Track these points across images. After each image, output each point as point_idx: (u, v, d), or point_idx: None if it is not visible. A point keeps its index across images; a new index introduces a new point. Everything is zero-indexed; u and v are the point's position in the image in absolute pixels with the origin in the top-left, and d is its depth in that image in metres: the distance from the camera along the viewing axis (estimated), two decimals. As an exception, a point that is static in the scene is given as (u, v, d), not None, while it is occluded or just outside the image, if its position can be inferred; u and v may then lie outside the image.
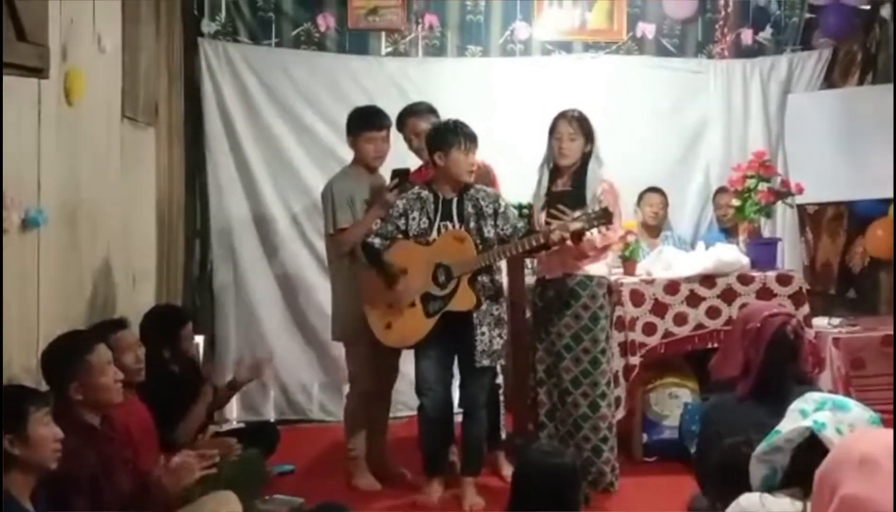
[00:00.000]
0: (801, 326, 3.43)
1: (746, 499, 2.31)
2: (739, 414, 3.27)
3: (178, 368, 4.21)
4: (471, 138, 4.25)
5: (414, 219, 4.29)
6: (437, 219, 4.28)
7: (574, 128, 4.35)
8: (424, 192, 4.32)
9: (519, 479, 2.67)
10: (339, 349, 5.07)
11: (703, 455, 3.39)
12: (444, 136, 4.26)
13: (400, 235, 4.29)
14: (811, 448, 2.18)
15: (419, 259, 4.26)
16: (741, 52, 6.25)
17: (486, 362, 4.28)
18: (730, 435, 3.05)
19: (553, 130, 4.38)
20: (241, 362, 4.79)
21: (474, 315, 4.24)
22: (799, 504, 1.97)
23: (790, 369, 3.33)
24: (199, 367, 4.68)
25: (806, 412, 2.30)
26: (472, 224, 4.26)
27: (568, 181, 4.39)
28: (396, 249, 4.28)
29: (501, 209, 4.29)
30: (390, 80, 5.79)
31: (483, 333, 4.25)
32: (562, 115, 4.39)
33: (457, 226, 4.27)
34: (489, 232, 4.26)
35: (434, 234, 4.28)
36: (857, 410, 2.29)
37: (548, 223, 4.21)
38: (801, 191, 4.89)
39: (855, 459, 1.64)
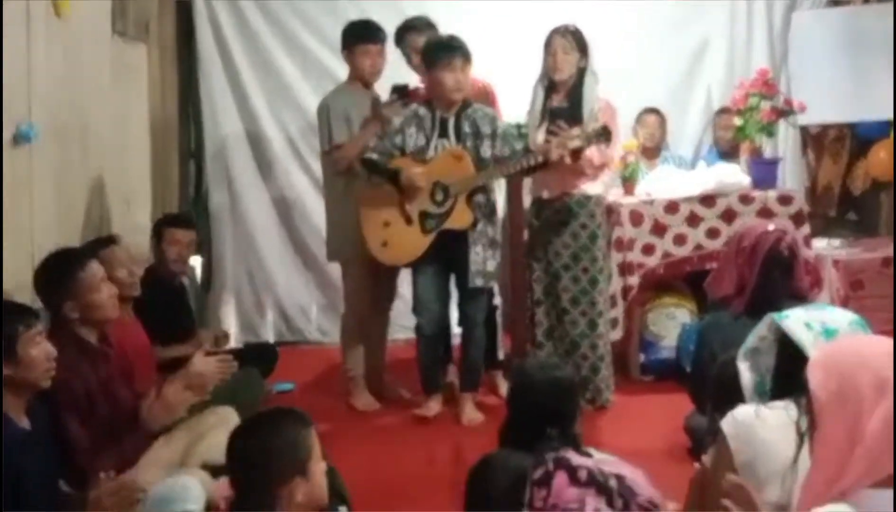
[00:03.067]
0: (795, 243, 3.40)
1: (740, 410, 2.30)
2: (734, 331, 3.24)
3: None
4: (462, 54, 4.19)
5: (411, 136, 4.26)
6: (434, 137, 4.25)
7: (568, 41, 4.28)
8: (422, 110, 4.27)
9: (515, 390, 2.68)
10: (336, 271, 5.06)
11: (699, 372, 3.41)
12: (433, 53, 4.21)
13: (397, 152, 4.25)
14: (791, 349, 2.15)
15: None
16: (745, -30, 6.10)
17: (479, 282, 4.29)
18: (725, 352, 3.04)
19: (548, 45, 4.31)
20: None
21: (469, 235, 4.23)
22: (794, 412, 1.96)
23: (785, 286, 3.32)
24: (186, 293, 4.63)
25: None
26: (469, 143, 4.23)
27: (564, 97, 4.33)
28: (394, 166, 4.24)
29: (500, 130, 4.26)
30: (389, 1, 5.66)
31: (477, 253, 4.26)
32: (556, 30, 4.32)
33: (454, 144, 4.23)
34: (486, 152, 4.23)
35: (431, 152, 4.25)
36: (835, 311, 2.26)
37: (547, 141, 4.16)
38: (803, 109, 4.82)
39: (877, 370, 1.63)
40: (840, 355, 1.70)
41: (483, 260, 4.27)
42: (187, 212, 5.25)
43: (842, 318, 2.26)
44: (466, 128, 4.25)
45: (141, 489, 2.58)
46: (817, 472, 1.63)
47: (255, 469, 2.21)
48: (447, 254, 4.28)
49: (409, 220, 4.27)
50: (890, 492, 1.60)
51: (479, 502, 2.43)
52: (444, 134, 4.25)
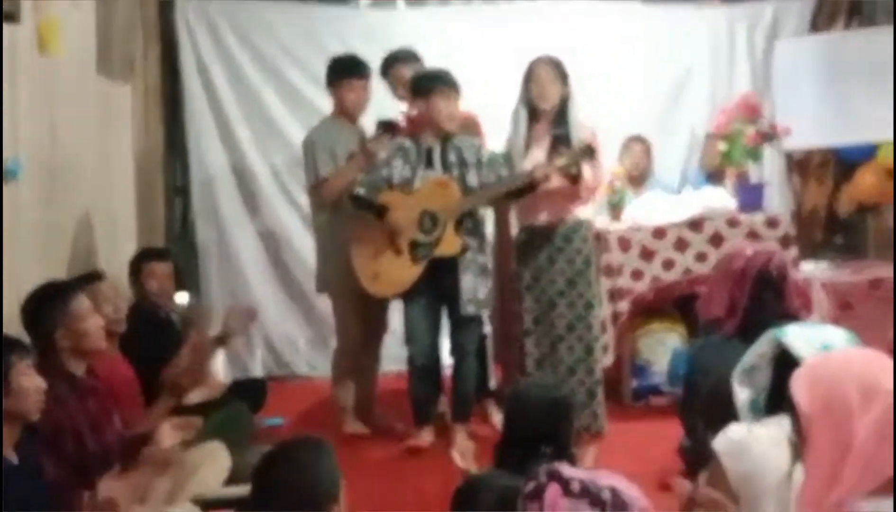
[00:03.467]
0: (785, 265, 3.40)
1: (733, 428, 2.29)
2: (725, 354, 3.22)
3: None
4: (453, 85, 4.23)
5: (396, 168, 4.28)
6: (420, 168, 4.27)
7: (552, 70, 4.30)
8: (407, 142, 4.31)
9: (511, 409, 2.65)
10: (325, 304, 5.05)
11: (690, 395, 3.39)
12: (426, 83, 4.22)
13: (384, 186, 4.26)
14: (789, 365, 2.16)
15: (404, 208, 4.24)
16: (727, -2, 6.18)
17: (471, 310, 4.28)
18: (716, 374, 3.03)
19: (531, 74, 4.31)
20: (230, 313, 4.71)
21: (459, 263, 4.23)
22: (787, 426, 1.95)
23: (775, 307, 3.30)
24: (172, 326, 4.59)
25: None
26: (455, 172, 4.24)
27: (548, 125, 4.34)
28: (381, 200, 4.26)
29: (485, 158, 4.28)
30: (370, 31, 5.69)
31: (468, 281, 4.26)
32: (539, 60, 4.33)
33: (439, 174, 4.24)
34: (472, 180, 4.25)
35: (417, 182, 4.26)
36: (830, 329, 2.28)
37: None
38: (787, 133, 4.86)
39: (863, 376, 1.62)
40: (824, 366, 1.69)
41: (474, 288, 4.27)
42: (161, 246, 5.19)
43: (837, 335, 2.29)
44: (452, 157, 4.27)
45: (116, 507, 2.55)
46: (811, 483, 1.62)
47: (296, 496, 2.18)
48: (438, 284, 4.28)
49: (398, 251, 4.27)
50: (887, 500, 1.58)
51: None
52: (429, 164, 4.27)
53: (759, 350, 2.33)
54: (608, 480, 1.87)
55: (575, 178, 4.12)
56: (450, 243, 4.22)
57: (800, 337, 2.25)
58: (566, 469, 1.91)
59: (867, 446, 1.57)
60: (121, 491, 2.58)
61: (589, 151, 4.11)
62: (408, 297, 4.34)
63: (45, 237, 3.71)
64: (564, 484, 1.86)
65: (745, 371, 2.35)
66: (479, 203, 4.30)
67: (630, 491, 1.88)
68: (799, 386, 1.69)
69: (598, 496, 1.83)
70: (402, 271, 4.26)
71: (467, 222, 4.27)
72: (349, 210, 4.38)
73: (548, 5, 6.04)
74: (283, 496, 2.18)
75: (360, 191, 4.26)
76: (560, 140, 4.25)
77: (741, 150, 4.76)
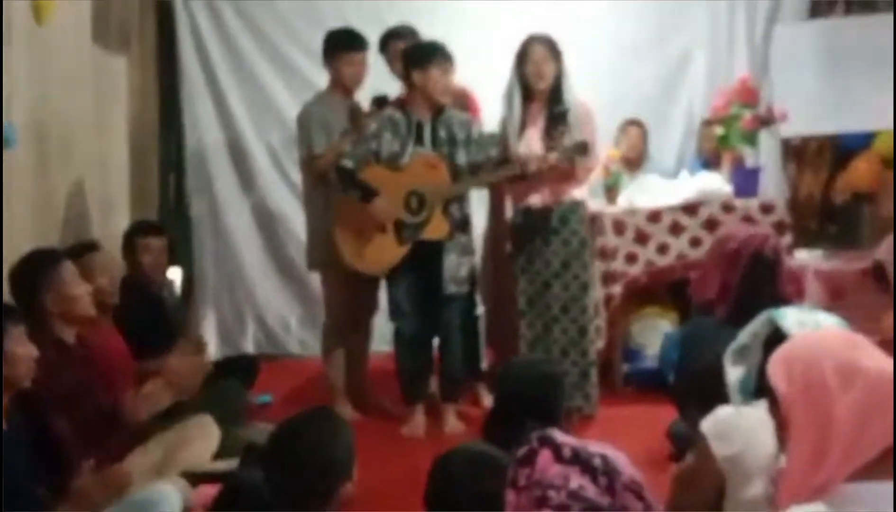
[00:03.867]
0: (779, 248, 3.39)
1: (721, 410, 2.30)
2: (717, 336, 3.23)
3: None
4: (448, 58, 4.19)
5: (386, 141, 4.23)
6: (410, 143, 4.23)
7: (546, 49, 4.27)
8: (397, 115, 4.26)
9: (502, 385, 2.65)
10: (317, 282, 5.03)
11: (682, 376, 3.39)
12: (421, 54, 4.20)
13: (372, 158, 4.22)
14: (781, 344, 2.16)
15: (391, 185, 4.21)
16: (727, -19, 6.13)
17: (453, 289, 4.27)
18: (708, 356, 3.03)
19: (525, 54, 4.28)
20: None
21: (443, 243, 4.22)
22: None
23: (768, 290, 3.29)
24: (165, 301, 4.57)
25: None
26: (444, 149, 4.21)
27: (544, 105, 4.31)
28: (368, 174, 4.23)
29: (475, 135, 4.25)
30: (369, 7, 5.64)
31: (451, 261, 4.25)
32: (532, 39, 4.29)
33: (429, 150, 4.21)
34: (461, 158, 4.23)
35: (406, 158, 4.22)
36: (824, 314, 2.29)
37: (547, 149, 4.15)
38: (784, 117, 4.84)
39: (840, 357, 1.61)
40: (799, 349, 1.68)
41: (457, 266, 4.26)
42: (155, 220, 5.17)
43: (831, 320, 2.29)
44: (442, 133, 4.24)
45: (129, 477, 2.55)
46: (792, 468, 1.60)
47: (312, 472, 2.17)
48: (421, 262, 4.26)
49: (383, 230, 4.25)
50: (871, 485, 1.57)
51: (436, 494, 2.41)
52: (419, 140, 4.24)
53: (753, 329, 2.33)
54: (599, 448, 1.88)
55: (572, 160, 4.11)
56: (438, 227, 4.20)
57: (794, 319, 2.26)
58: (558, 435, 1.92)
59: (849, 427, 1.56)
60: (97, 488, 2.56)
61: (583, 148, 4.10)
62: (391, 274, 4.32)
63: (37, 207, 3.70)
64: (556, 450, 1.87)
65: (738, 350, 2.36)
66: (469, 188, 4.28)
67: (620, 459, 1.89)
68: (776, 369, 1.67)
69: (589, 462, 1.84)
70: (387, 251, 4.25)
71: (453, 204, 4.25)
72: (335, 185, 4.34)
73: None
74: (299, 471, 2.18)
75: (348, 163, 4.22)
76: (556, 119, 4.23)
77: (738, 134, 4.74)
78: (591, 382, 4.37)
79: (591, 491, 1.87)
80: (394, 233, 4.23)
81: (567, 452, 1.87)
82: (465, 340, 4.46)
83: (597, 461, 1.86)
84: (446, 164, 4.20)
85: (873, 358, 1.63)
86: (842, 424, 1.57)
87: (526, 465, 1.90)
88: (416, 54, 4.23)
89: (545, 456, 1.87)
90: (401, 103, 4.31)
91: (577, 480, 1.83)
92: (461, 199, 4.32)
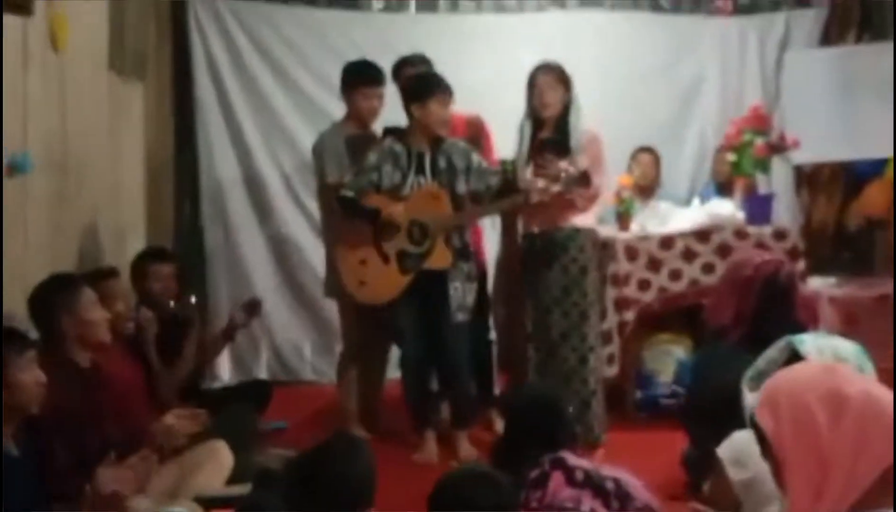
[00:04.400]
0: (793, 274, 3.40)
1: (736, 435, 2.29)
2: (731, 362, 3.23)
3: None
4: (447, 90, 4.23)
5: (387, 173, 4.26)
6: (411, 173, 4.25)
7: (553, 77, 4.30)
8: (398, 146, 4.29)
9: (509, 412, 2.65)
10: (331, 310, 5.04)
11: (694, 403, 3.38)
12: (422, 88, 4.24)
13: (373, 190, 4.25)
14: None
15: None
16: (737, 9, 6.16)
17: (460, 317, 4.28)
18: (722, 382, 3.02)
19: (532, 83, 4.33)
20: (235, 308, 4.70)
21: (447, 272, 4.23)
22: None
23: (782, 317, 3.29)
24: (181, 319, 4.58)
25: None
26: (444, 179, 4.23)
27: (550, 132, 4.34)
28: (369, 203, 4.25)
29: (474, 165, 4.27)
30: (382, 36, 5.69)
31: (456, 289, 4.26)
32: (539, 67, 4.35)
33: (430, 181, 4.24)
34: (462, 188, 4.25)
35: (407, 189, 4.25)
36: (841, 340, 2.27)
37: (536, 175, 4.17)
38: (797, 145, 4.84)
39: (822, 387, 1.59)
40: (781, 386, 1.65)
41: (462, 295, 4.27)
42: (164, 246, 5.19)
43: (848, 346, 2.28)
44: (442, 164, 4.26)
45: (127, 506, 2.55)
46: (795, 506, 1.58)
47: (335, 497, 2.16)
48: (424, 291, 4.27)
49: (386, 260, 4.26)
50: None
51: None
52: (420, 171, 4.26)
53: (771, 355, 2.32)
54: (612, 472, 1.86)
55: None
56: (441, 257, 4.21)
57: (812, 345, 2.25)
58: (570, 458, 1.91)
59: (844, 457, 1.54)
60: (120, 480, 2.57)
61: (583, 179, 4.12)
62: (396, 304, 4.33)
63: (53, 234, 3.72)
64: (568, 472, 1.86)
65: (756, 376, 2.34)
66: (471, 219, 4.31)
67: (633, 483, 1.87)
68: (763, 415, 1.63)
69: (602, 486, 1.83)
70: (389, 281, 4.26)
71: (455, 233, 4.27)
72: (337, 214, 4.35)
73: (559, 14, 6.05)
74: (322, 498, 2.17)
75: (348, 194, 4.24)
76: (554, 146, 4.25)
77: (750, 160, 4.75)
78: (593, 412, 4.35)
79: (602, 514, 1.86)
80: (396, 263, 4.24)
81: (579, 476, 1.85)
82: (477, 366, 4.46)
83: (609, 485, 1.84)
84: (447, 194, 4.21)
85: (856, 384, 1.61)
86: (836, 455, 1.54)
87: (538, 487, 1.89)
88: (415, 88, 4.27)
89: (557, 478, 1.86)
90: (401, 135, 4.34)
91: (588, 504, 1.82)
92: (462, 229, 4.33)
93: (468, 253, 4.35)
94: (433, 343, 4.35)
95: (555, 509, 1.82)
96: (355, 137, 4.54)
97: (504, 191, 4.25)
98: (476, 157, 4.30)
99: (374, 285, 4.28)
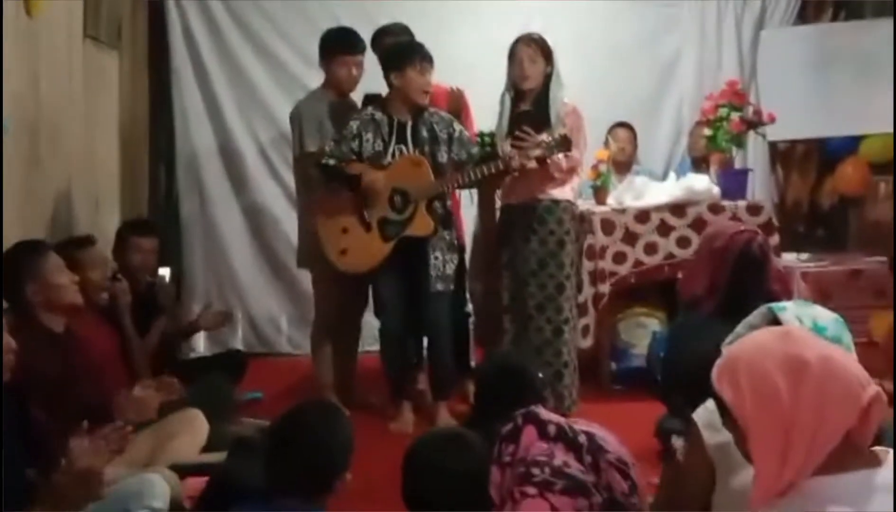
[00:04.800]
0: (766, 245, 3.41)
1: (712, 401, 2.30)
2: (706, 332, 3.24)
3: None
4: (427, 58, 4.21)
5: (368, 141, 4.25)
6: (392, 142, 4.24)
7: (533, 50, 4.29)
8: (378, 114, 4.27)
9: (479, 379, 2.66)
10: (307, 282, 5.02)
11: (669, 371, 3.40)
12: (399, 56, 4.23)
13: (354, 157, 4.23)
14: None
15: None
16: (715, -14, 6.18)
17: (440, 287, 4.28)
18: (696, 350, 3.04)
19: (512, 54, 4.32)
20: (208, 310, 4.71)
21: (428, 241, 4.23)
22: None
23: (755, 288, 3.31)
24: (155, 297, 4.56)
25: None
26: (426, 148, 4.23)
27: (530, 104, 4.34)
28: (350, 171, 4.23)
29: (456, 134, 4.27)
30: (362, 9, 5.65)
31: (436, 258, 4.26)
32: (520, 39, 4.34)
33: (411, 149, 4.23)
34: (443, 157, 4.25)
35: (388, 157, 4.24)
36: (820, 308, 2.29)
37: (513, 146, 4.18)
38: (773, 120, 4.87)
39: (780, 352, 1.60)
40: (738, 356, 1.65)
41: (442, 264, 4.27)
42: (149, 219, 5.17)
43: (828, 315, 2.30)
44: (424, 133, 4.25)
45: (104, 479, 2.54)
46: (759, 472, 1.58)
47: (312, 463, 2.16)
48: (406, 260, 4.26)
49: (368, 227, 4.25)
50: (839, 476, 1.56)
51: (410, 477, 2.42)
52: (401, 139, 4.25)
53: (751, 321, 2.33)
54: (585, 426, 1.88)
55: (542, 160, 4.13)
56: (422, 224, 4.21)
57: (792, 313, 2.26)
58: (543, 413, 1.91)
59: (807, 422, 1.54)
60: (93, 453, 2.55)
61: (564, 142, 4.11)
62: (377, 272, 4.33)
63: (25, 200, 3.68)
64: (540, 426, 1.86)
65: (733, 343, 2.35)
66: (452, 186, 4.30)
67: (606, 437, 1.88)
68: (721, 382, 1.64)
69: (574, 440, 1.83)
70: (372, 248, 4.25)
71: (435, 201, 4.26)
72: (318, 182, 4.33)
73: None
74: (301, 461, 2.17)
75: (330, 162, 4.23)
76: (533, 118, 4.25)
77: (725, 135, 4.77)
78: (565, 383, 4.37)
79: (575, 468, 1.86)
80: (378, 231, 4.24)
81: (552, 429, 1.86)
82: (454, 338, 4.47)
83: (581, 439, 1.86)
84: (429, 162, 4.20)
85: (814, 348, 1.61)
86: (799, 421, 1.55)
87: (510, 441, 1.89)
88: (393, 55, 4.25)
89: (529, 432, 1.87)
90: (382, 103, 4.32)
91: (561, 457, 1.83)
92: (444, 197, 4.33)
93: (450, 222, 4.36)
94: (413, 313, 4.36)
95: (527, 463, 1.82)
96: (336, 105, 4.51)
97: (484, 161, 4.24)
98: (458, 127, 4.30)
99: (355, 254, 4.27)
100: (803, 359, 1.58)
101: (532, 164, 4.12)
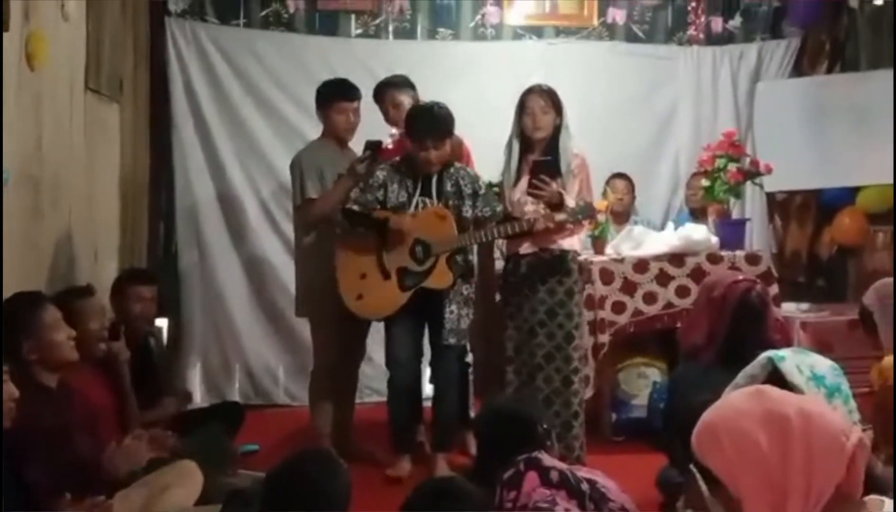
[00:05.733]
0: (765, 294, 3.42)
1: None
2: (705, 382, 3.23)
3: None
4: (444, 130, 4.21)
5: (393, 192, 4.27)
6: (416, 194, 4.26)
7: (545, 101, 4.33)
8: (403, 167, 4.29)
9: (480, 427, 2.64)
10: (306, 333, 5.01)
11: (670, 422, 3.38)
12: (414, 126, 4.25)
13: (377, 206, 4.25)
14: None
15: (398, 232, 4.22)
16: (711, 39, 6.27)
17: (452, 340, 4.27)
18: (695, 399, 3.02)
19: (523, 105, 4.36)
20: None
21: (445, 293, 4.23)
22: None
23: (756, 336, 3.31)
24: (152, 351, 4.54)
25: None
26: (450, 202, 4.24)
27: (540, 154, 4.37)
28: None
29: (481, 191, 4.30)
30: (359, 62, 5.72)
31: (452, 312, 4.25)
32: (531, 90, 4.38)
33: (435, 202, 4.25)
34: (468, 212, 4.26)
35: (412, 209, 4.25)
36: (817, 356, 2.29)
37: (531, 194, 4.19)
38: (769, 171, 4.90)
39: (758, 412, 1.57)
40: (716, 421, 1.61)
41: (458, 318, 4.27)
42: (147, 268, 5.17)
43: (825, 362, 2.30)
44: (448, 187, 4.27)
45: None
46: None
47: (327, 507, 2.14)
48: (421, 311, 4.26)
49: (386, 275, 4.25)
50: None
51: None
52: (426, 192, 4.27)
53: (751, 372, 2.33)
54: (587, 473, 1.86)
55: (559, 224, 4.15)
56: (441, 277, 4.20)
57: (792, 362, 2.26)
58: (545, 459, 1.90)
59: (798, 478, 1.52)
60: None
61: (589, 210, 4.16)
62: (390, 320, 4.32)
63: (25, 251, 3.68)
64: (543, 473, 1.84)
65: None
66: (475, 242, 4.32)
67: (608, 485, 1.86)
68: (704, 450, 1.61)
69: (577, 488, 1.81)
70: (388, 296, 4.24)
71: (458, 255, 4.27)
72: (341, 227, 4.33)
73: (535, 43, 6.12)
74: (296, 510, 2.14)
75: (355, 207, 4.24)
76: (547, 168, 4.27)
77: (723, 186, 4.80)
78: (574, 433, 4.34)
79: (578, 515, 1.85)
80: (396, 279, 4.24)
81: (554, 476, 1.84)
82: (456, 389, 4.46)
83: (584, 486, 1.84)
84: (453, 216, 4.22)
85: (791, 402, 1.60)
86: (790, 477, 1.53)
87: (512, 487, 1.87)
88: (411, 123, 4.27)
89: (531, 479, 1.85)
90: (397, 152, 4.35)
91: (563, 504, 1.80)
92: (465, 251, 4.34)
93: (470, 276, 4.36)
94: (420, 365, 4.37)
95: (529, 509, 1.80)
96: (336, 153, 4.53)
97: (507, 220, 4.25)
98: (483, 183, 4.33)
99: (372, 300, 4.27)
100: (783, 414, 1.56)
101: (552, 224, 4.13)
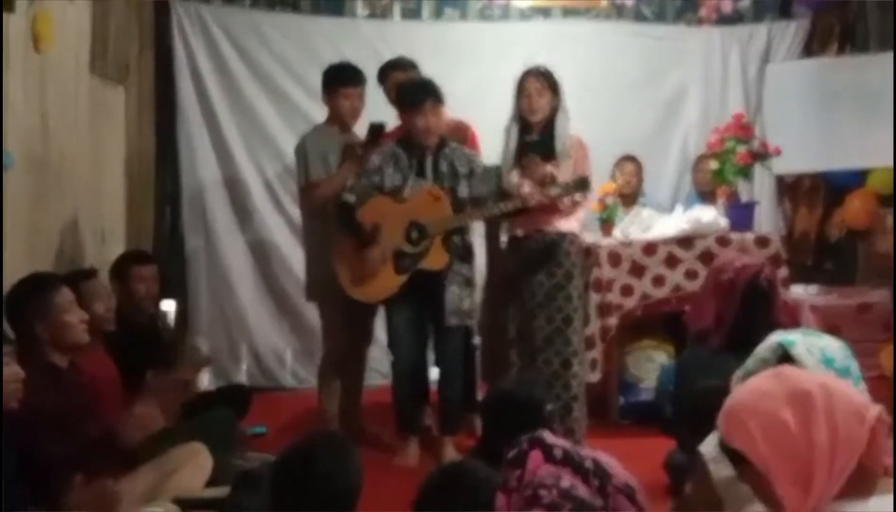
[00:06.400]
0: (774, 277, 3.40)
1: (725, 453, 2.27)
2: (714, 365, 3.23)
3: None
4: (434, 98, 4.20)
5: (388, 175, 4.25)
6: (412, 175, 4.25)
7: (541, 83, 4.32)
8: (399, 149, 4.28)
9: (486, 409, 2.63)
10: (312, 315, 5.01)
11: (679, 403, 3.37)
12: (404, 96, 4.25)
13: (375, 191, 4.24)
14: None
15: (393, 215, 4.22)
16: (720, 20, 6.22)
17: (454, 321, 4.26)
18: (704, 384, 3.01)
19: (520, 87, 4.34)
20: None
21: (444, 275, 4.22)
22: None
23: (764, 319, 3.29)
24: (159, 331, 4.54)
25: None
26: (446, 183, 4.23)
27: (537, 135, 4.35)
28: (370, 205, 4.23)
29: (477, 170, 4.26)
30: (366, 43, 5.70)
31: (452, 293, 4.24)
32: (528, 72, 4.36)
33: (431, 183, 4.23)
34: (463, 192, 4.24)
35: (407, 190, 4.24)
36: (827, 338, 2.28)
37: (521, 175, 4.18)
38: (779, 153, 4.87)
39: (781, 391, 1.62)
40: (742, 405, 1.66)
41: (458, 299, 4.25)
42: (147, 250, 5.17)
43: (835, 344, 2.28)
44: (444, 167, 4.26)
45: (119, 495, 2.52)
46: (787, 504, 1.59)
47: (327, 497, 2.13)
48: (422, 293, 4.25)
49: (383, 259, 4.24)
50: (864, 501, 1.59)
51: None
52: (421, 173, 4.25)
53: (762, 355, 2.32)
54: (590, 452, 1.86)
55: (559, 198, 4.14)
56: (436, 257, 4.20)
57: (803, 345, 2.25)
58: (548, 437, 1.89)
59: (823, 449, 1.57)
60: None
61: (583, 184, 4.12)
62: (391, 304, 4.32)
63: (31, 234, 3.69)
64: (547, 450, 1.84)
65: (745, 375, 2.33)
66: (470, 221, 4.30)
67: (612, 463, 1.86)
68: (733, 434, 1.66)
69: (581, 464, 1.82)
70: (385, 280, 4.24)
71: (454, 236, 4.25)
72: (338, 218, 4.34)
73: (542, 24, 6.08)
74: (309, 497, 2.14)
75: (350, 198, 4.23)
76: (540, 149, 4.25)
77: (732, 168, 4.77)
78: (574, 416, 4.33)
79: (582, 491, 1.85)
80: (392, 262, 4.23)
81: (558, 453, 1.85)
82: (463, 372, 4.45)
83: (588, 463, 1.84)
84: (448, 197, 4.20)
85: (811, 379, 1.65)
86: (815, 451, 1.57)
87: (516, 466, 1.87)
88: (401, 95, 4.28)
89: (535, 456, 1.85)
90: (401, 138, 4.33)
91: (568, 480, 1.81)
92: (463, 231, 4.32)
93: (469, 257, 4.35)
94: (425, 346, 4.36)
95: (534, 486, 1.80)
96: (340, 137, 4.52)
97: (502, 197, 4.24)
98: (479, 162, 4.31)
99: (369, 284, 4.26)
100: (805, 390, 1.62)
101: (546, 199, 4.11)
